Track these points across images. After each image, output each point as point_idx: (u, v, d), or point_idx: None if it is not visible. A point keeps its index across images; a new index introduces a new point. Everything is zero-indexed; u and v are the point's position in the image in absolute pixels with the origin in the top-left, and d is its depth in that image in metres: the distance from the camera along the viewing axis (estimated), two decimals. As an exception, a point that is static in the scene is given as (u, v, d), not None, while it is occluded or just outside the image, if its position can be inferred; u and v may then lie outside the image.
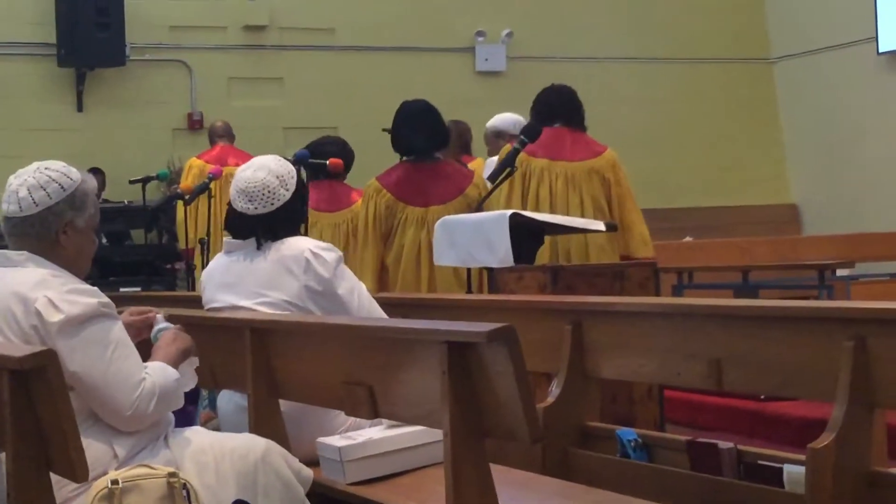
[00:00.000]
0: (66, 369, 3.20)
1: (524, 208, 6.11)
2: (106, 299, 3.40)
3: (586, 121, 6.60)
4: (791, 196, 13.65)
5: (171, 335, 3.62)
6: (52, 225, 3.43)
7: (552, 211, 6.11)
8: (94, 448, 3.22)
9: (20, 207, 3.44)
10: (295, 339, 3.84)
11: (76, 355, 3.26)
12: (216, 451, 3.42)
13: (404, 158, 6.26)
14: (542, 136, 6.09)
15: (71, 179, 3.47)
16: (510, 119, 8.13)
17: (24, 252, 3.43)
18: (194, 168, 9.57)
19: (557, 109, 6.43)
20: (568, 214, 6.06)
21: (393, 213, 6.07)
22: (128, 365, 3.33)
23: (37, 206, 3.43)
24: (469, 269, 5.78)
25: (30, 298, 3.31)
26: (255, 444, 3.48)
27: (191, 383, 3.60)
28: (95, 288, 3.42)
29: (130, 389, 3.29)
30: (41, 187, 3.44)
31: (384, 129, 6.38)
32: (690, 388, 6.12)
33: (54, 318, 3.28)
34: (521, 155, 5.96)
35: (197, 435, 3.53)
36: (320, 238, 6.09)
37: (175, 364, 3.50)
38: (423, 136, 6.16)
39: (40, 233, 3.44)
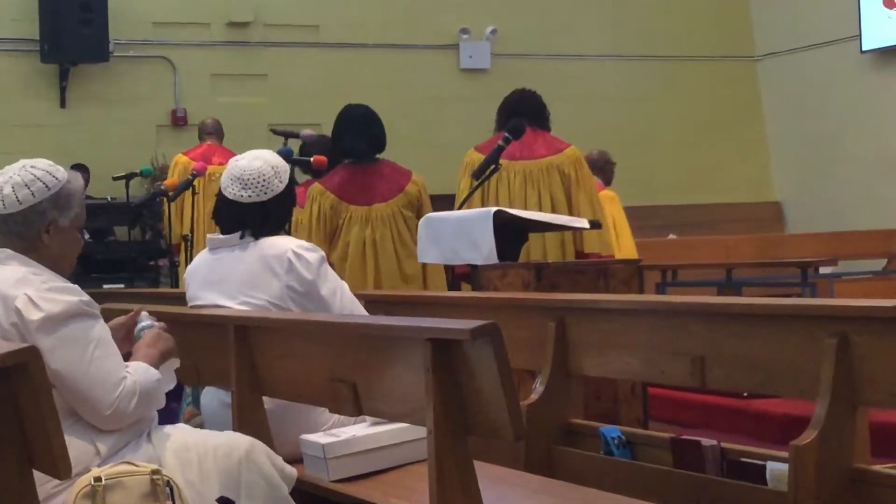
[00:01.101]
0: (47, 367, 3.15)
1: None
2: (87, 297, 3.40)
3: (552, 121, 6.64)
4: (774, 194, 13.70)
5: (154, 335, 3.62)
6: (35, 223, 3.42)
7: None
8: (76, 445, 3.21)
9: (4, 205, 3.42)
10: (279, 336, 3.83)
11: (56, 353, 3.26)
12: (199, 448, 3.42)
13: (346, 161, 6.44)
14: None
15: (56, 179, 3.45)
16: None
17: (6, 250, 3.43)
18: (179, 165, 9.54)
19: (520, 111, 6.41)
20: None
21: (337, 213, 6.28)
22: (108, 364, 3.33)
23: (20, 204, 3.41)
24: (424, 265, 5.74)
25: (10, 296, 3.31)
26: (238, 442, 3.48)
27: (170, 384, 3.59)
28: (76, 286, 3.41)
29: (111, 388, 3.29)
30: (25, 185, 3.43)
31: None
32: (674, 386, 6.13)
33: (34, 315, 3.27)
34: (479, 156, 6.11)
35: (180, 432, 3.53)
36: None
37: (156, 365, 3.49)
38: (364, 140, 6.36)
39: (23, 231, 3.43)
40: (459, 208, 5.98)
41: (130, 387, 3.32)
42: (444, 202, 6.78)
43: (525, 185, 6.33)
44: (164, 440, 3.43)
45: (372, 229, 6.24)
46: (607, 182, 9.26)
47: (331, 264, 5.90)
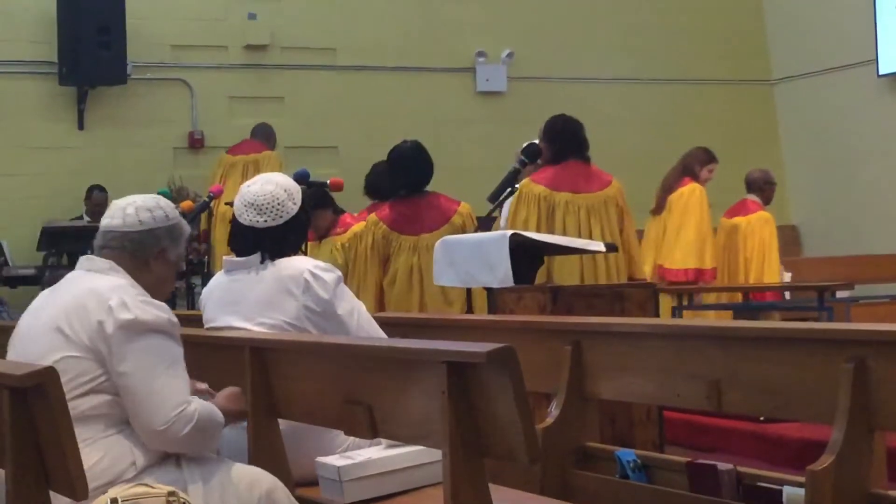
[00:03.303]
0: (114, 370, 3.33)
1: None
2: (175, 320, 3.51)
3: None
4: (791, 217, 13.66)
5: (236, 393, 3.77)
6: (149, 247, 3.60)
7: None
8: (115, 452, 3.31)
9: (123, 222, 3.60)
10: (294, 358, 3.83)
11: (130, 357, 3.35)
12: (224, 478, 3.46)
13: (400, 193, 6.84)
14: (560, 171, 6.67)
15: (175, 213, 3.68)
16: None
17: (111, 262, 3.56)
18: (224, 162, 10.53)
19: (571, 144, 6.75)
20: None
21: (388, 242, 6.72)
22: (176, 384, 3.40)
23: (140, 224, 3.59)
24: (469, 289, 5.91)
25: (105, 296, 3.42)
26: (262, 479, 3.52)
27: (215, 443, 3.61)
28: (168, 307, 3.52)
29: (171, 406, 3.35)
30: (148, 209, 3.62)
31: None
32: (690, 410, 6.12)
33: (123, 315, 3.38)
34: (543, 189, 6.60)
35: (208, 460, 3.56)
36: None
37: (226, 416, 3.58)
38: (413, 174, 6.79)
39: (135, 251, 3.59)
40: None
41: (190, 413, 3.38)
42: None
43: (589, 217, 6.64)
44: (192, 465, 3.46)
45: (419, 257, 6.66)
46: (766, 202, 9.42)
47: (382, 289, 6.64)
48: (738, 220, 9.51)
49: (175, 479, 3.35)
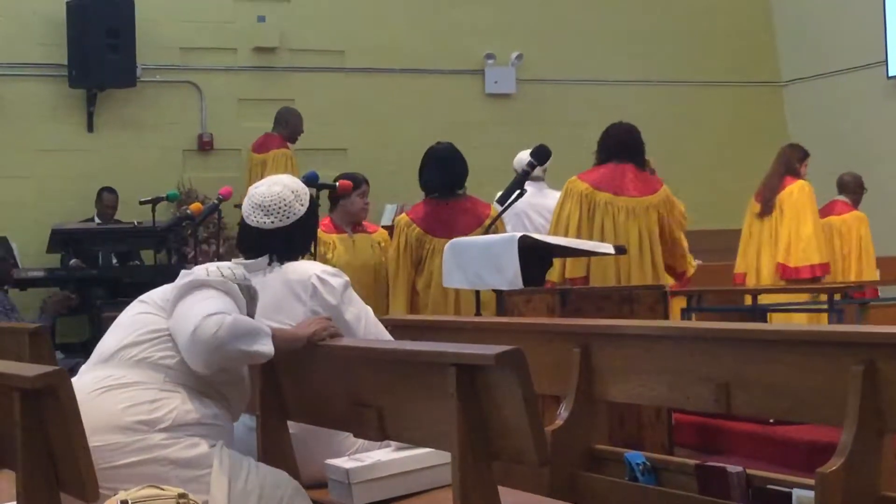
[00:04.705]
0: (165, 306, 3.67)
1: (591, 237, 6.61)
2: (235, 286, 3.73)
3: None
4: (800, 219, 13.63)
5: (315, 320, 3.88)
6: None
7: (615, 241, 6.52)
8: (166, 400, 3.50)
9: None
10: (304, 360, 3.84)
11: (184, 298, 3.62)
12: (251, 476, 3.50)
13: (431, 195, 6.84)
14: (608, 170, 6.82)
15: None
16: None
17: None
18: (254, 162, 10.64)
19: (629, 148, 6.91)
20: (628, 244, 6.55)
21: (422, 244, 6.72)
22: (215, 303, 3.58)
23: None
24: (478, 291, 5.92)
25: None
26: (287, 483, 3.58)
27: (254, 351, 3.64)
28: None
29: (204, 312, 3.51)
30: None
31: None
32: (699, 412, 6.11)
33: (186, 279, 3.71)
34: (586, 186, 6.75)
35: (241, 456, 3.61)
36: None
37: (278, 338, 3.67)
38: (445, 175, 6.78)
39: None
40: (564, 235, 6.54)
41: (221, 317, 3.50)
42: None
43: (627, 220, 6.73)
44: (227, 453, 3.52)
45: None
46: (856, 204, 9.52)
47: (416, 291, 6.70)
48: (832, 218, 9.68)
49: (206, 458, 3.45)
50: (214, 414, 3.58)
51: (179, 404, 3.49)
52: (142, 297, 3.81)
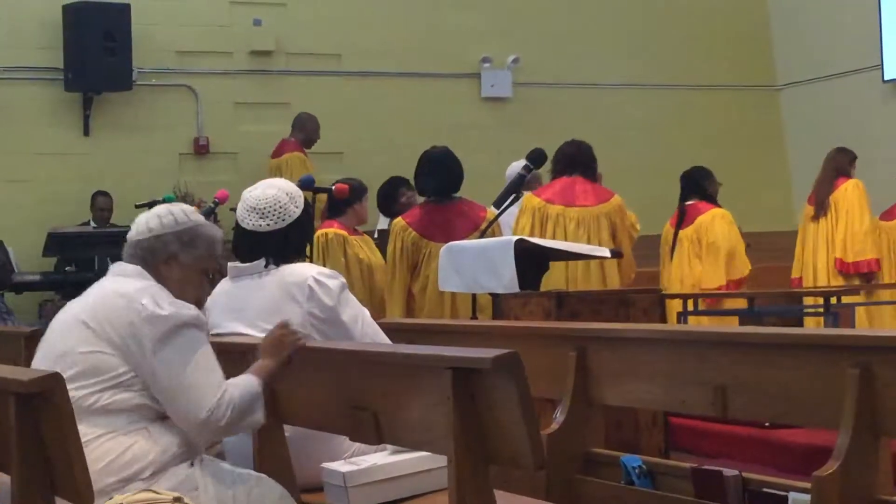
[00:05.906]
0: (147, 366, 3.41)
1: None
2: (204, 317, 3.62)
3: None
4: (796, 223, 13.63)
5: (275, 340, 3.78)
6: (158, 253, 3.66)
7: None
8: (136, 448, 3.38)
9: (136, 231, 3.72)
10: (299, 364, 3.84)
11: (164, 353, 3.43)
12: (238, 484, 3.52)
13: (427, 198, 6.88)
14: (559, 185, 7.08)
15: (188, 218, 3.73)
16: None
17: (137, 267, 3.65)
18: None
19: (577, 162, 7.14)
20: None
21: (418, 248, 6.71)
22: (211, 374, 3.48)
23: (150, 231, 3.69)
24: (474, 295, 5.93)
25: (134, 297, 3.50)
26: (273, 490, 3.58)
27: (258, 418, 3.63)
28: (194, 307, 3.61)
29: (210, 396, 3.43)
30: (159, 216, 3.71)
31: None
32: (695, 415, 6.11)
33: (155, 312, 3.46)
34: (539, 201, 7.01)
35: (222, 466, 3.62)
36: None
37: (270, 376, 3.65)
38: (441, 179, 6.78)
39: (146, 257, 3.67)
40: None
41: (228, 398, 3.45)
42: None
43: (578, 229, 6.94)
44: (208, 468, 3.52)
45: None
46: None
47: (412, 294, 6.69)
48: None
49: (192, 481, 3.42)
50: (184, 435, 3.52)
51: (152, 446, 3.42)
52: (82, 317, 3.54)
